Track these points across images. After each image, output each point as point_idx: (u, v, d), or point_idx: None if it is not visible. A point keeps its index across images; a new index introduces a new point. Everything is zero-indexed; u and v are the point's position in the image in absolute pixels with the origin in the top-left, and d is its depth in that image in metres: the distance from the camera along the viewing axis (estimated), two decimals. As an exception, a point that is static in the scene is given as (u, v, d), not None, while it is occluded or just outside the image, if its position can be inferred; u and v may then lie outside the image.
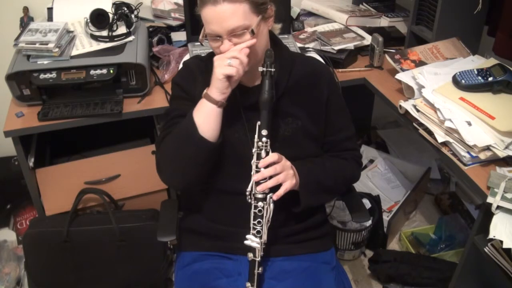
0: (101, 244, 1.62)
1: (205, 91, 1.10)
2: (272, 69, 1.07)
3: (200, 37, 1.10)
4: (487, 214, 1.22)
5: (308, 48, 1.83)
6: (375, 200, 1.97)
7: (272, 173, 1.08)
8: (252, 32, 1.06)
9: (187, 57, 1.70)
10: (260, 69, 1.08)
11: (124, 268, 1.66)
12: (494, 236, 1.14)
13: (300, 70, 1.22)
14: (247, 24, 1.05)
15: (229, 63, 1.03)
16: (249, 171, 1.09)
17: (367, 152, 2.37)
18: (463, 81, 1.41)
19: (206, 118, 1.09)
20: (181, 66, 1.31)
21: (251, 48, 1.06)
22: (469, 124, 1.31)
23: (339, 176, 1.26)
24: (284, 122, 1.20)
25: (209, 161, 1.14)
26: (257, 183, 1.08)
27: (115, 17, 1.69)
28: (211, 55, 1.26)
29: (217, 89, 1.07)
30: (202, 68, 1.22)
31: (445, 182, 2.34)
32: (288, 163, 1.13)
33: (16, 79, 1.51)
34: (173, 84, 1.24)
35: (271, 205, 1.09)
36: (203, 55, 1.28)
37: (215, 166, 1.22)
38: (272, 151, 1.10)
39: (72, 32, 1.66)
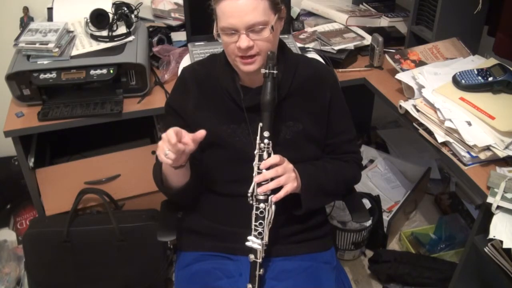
0: (101, 244, 1.62)
1: None
2: (275, 71, 1.07)
3: (215, 32, 1.10)
4: (487, 214, 1.22)
5: (308, 48, 1.83)
6: (375, 200, 1.97)
7: (274, 175, 1.08)
8: (272, 29, 1.07)
9: (187, 58, 1.70)
10: (263, 71, 1.08)
11: (124, 268, 1.66)
12: (494, 236, 1.14)
13: (304, 73, 1.22)
14: (266, 20, 1.05)
15: (166, 154, 1.02)
16: (251, 173, 1.09)
17: (367, 152, 2.37)
18: (463, 81, 1.41)
19: (167, 173, 1.16)
20: (179, 72, 1.32)
21: (264, 46, 1.07)
22: (469, 124, 1.31)
23: (340, 178, 1.26)
24: (285, 125, 1.20)
25: (186, 193, 1.21)
26: (259, 185, 1.08)
27: (115, 17, 1.69)
28: (213, 57, 1.26)
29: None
30: (200, 75, 1.22)
31: (445, 182, 2.34)
32: (290, 166, 1.13)
33: (16, 79, 1.51)
34: (166, 104, 1.28)
35: (273, 206, 1.10)
36: (203, 55, 1.28)
37: (217, 167, 1.22)
38: (274, 154, 1.10)
39: (72, 32, 1.66)
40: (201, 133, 1.04)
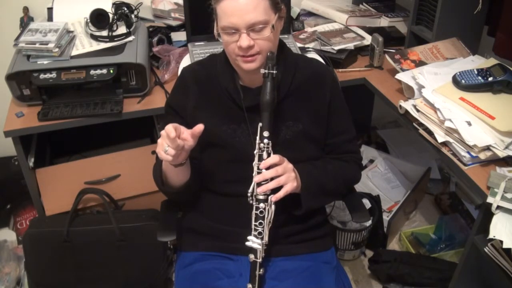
0: (101, 244, 1.62)
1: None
2: (274, 71, 1.07)
3: (215, 31, 1.11)
4: (487, 214, 1.22)
5: (308, 48, 1.83)
6: (375, 200, 1.97)
7: (273, 174, 1.08)
8: (273, 28, 1.07)
9: (187, 58, 1.70)
10: (262, 71, 1.08)
11: (124, 268, 1.66)
12: (494, 236, 1.14)
13: (303, 72, 1.22)
14: (267, 19, 1.05)
15: (165, 151, 1.02)
16: (250, 173, 1.09)
17: (367, 152, 2.37)
18: (463, 81, 1.41)
19: (167, 172, 1.16)
20: (179, 72, 1.32)
21: (265, 46, 1.07)
22: (469, 124, 1.31)
23: (340, 178, 1.26)
24: (285, 125, 1.20)
25: (187, 192, 1.21)
26: (259, 185, 1.08)
27: (115, 17, 1.69)
28: (212, 57, 1.26)
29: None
30: (200, 75, 1.22)
31: (445, 182, 2.34)
32: (290, 166, 1.13)
33: (16, 79, 1.51)
34: (166, 104, 1.28)
35: (273, 206, 1.10)
36: (203, 55, 1.28)
37: (217, 167, 1.22)
38: (273, 154, 1.10)
39: (72, 32, 1.66)
40: (199, 127, 1.04)
